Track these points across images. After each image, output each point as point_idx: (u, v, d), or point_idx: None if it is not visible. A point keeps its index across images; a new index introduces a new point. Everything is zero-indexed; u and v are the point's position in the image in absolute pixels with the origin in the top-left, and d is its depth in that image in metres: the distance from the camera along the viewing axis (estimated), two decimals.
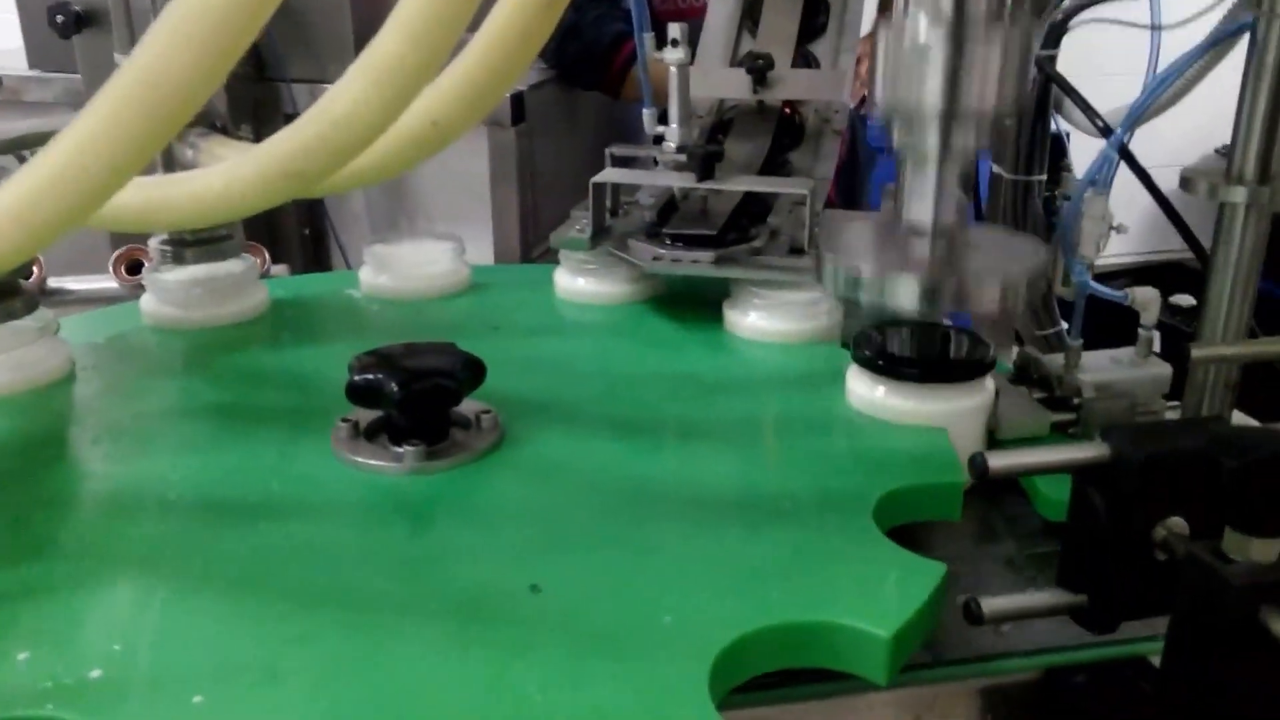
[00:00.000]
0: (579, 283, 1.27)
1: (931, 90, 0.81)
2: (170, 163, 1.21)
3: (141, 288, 1.26)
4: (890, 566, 0.74)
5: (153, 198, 0.74)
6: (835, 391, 0.99)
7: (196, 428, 0.99)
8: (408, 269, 1.31)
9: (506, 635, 0.68)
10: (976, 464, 0.68)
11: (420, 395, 0.87)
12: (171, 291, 1.21)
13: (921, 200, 0.88)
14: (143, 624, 0.71)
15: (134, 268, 1.65)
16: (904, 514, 0.84)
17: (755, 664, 0.68)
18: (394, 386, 0.86)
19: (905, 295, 0.86)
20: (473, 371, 0.91)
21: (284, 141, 0.66)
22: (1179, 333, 1.07)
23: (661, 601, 0.71)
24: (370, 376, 0.87)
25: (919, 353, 0.98)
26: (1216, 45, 1.03)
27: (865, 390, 0.96)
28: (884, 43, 0.83)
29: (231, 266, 1.25)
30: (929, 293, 0.85)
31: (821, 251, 0.92)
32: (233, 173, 0.69)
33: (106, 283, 1.78)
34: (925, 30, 0.81)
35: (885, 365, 0.96)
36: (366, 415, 0.92)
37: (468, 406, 0.93)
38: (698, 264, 1.14)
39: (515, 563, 0.76)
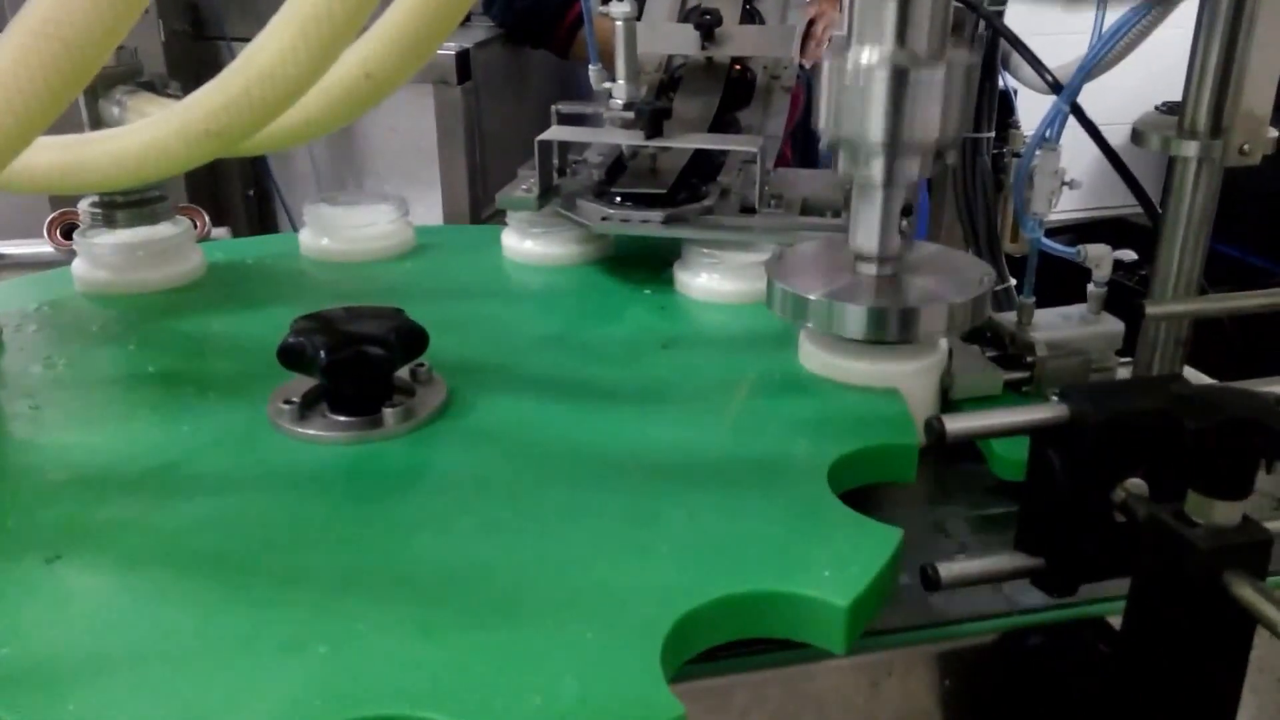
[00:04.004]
0: (526, 244, 1.24)
1: (875, 124, 0.83)
2: (97, 122, 1.17)
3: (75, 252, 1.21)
4: (846, 533, 0.72)
5: (71, 158, 0.70)
6: (788, 353, 0.97)
7: (128, 397, 0.96)
8: (350, 231, 1.27)
9: (452, 611, 0.66)
10: (934, 428, 0.66)
11: (347, 363, 0.84)
12: (103, 256, 1.17)
13: (868, 228, 0.89)
14: (72, 604, 0.67)
15: (70, 231, 1.59)
16: (859, 477, 0.82)
17: (710, 635, 0.66)
18: (321, 353, 0.82)
19: (852, 321, 0.86)
20: (409, 339, 0.87)
21: (207, 98, 0.63)
22: (1123, 288, 1.06)
23: (613, 573, 0.69)
24: (298, 340, 0.84)
25: None
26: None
27: (817, 351, 0.94)
28: (828, 76, 0.83)
29: (165, 230, 1.20)
30: (875, 319, 0.86)
31: (769, 274, 0.92)
32: (153, 131, 0.65)
33: (42, 247, 1.73)
34: (868, 66, 0.82)
35: None
36: (306, 383, 0.88)
37: (411, 372, 0.90)
38: (647, 224, 1.12)
39: (461, 534, 0.74)
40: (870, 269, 0.92)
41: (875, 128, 0.83)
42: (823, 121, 0.87)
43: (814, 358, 0.95)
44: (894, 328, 0.88)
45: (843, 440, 0.83)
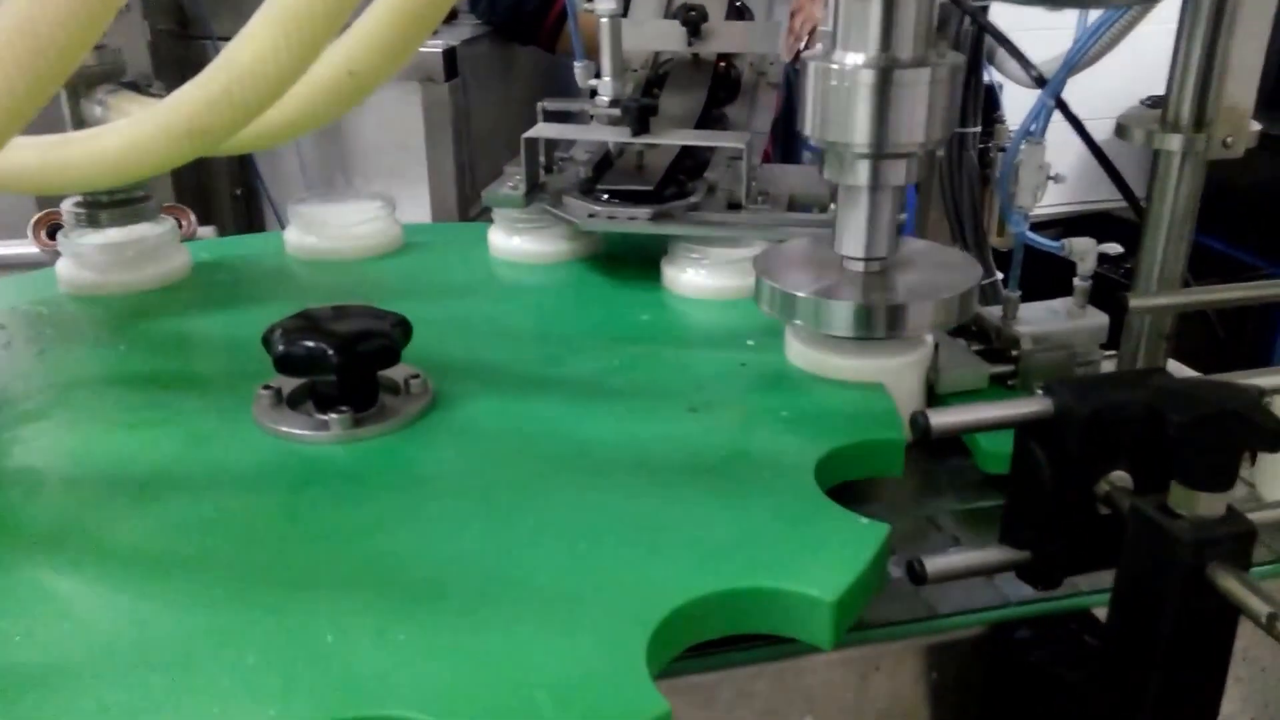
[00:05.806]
0: (514, 241, 1.24)
1: (860, 128, 0.83)
2: (79, 122, 1.16)
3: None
4: (833, 528, 0.72)
5: (51, 158, 0.70)
6: (775, 350, 0.97)
7: (111, 397, 0.95)
8: (336, 229, 1.27)
9: (438, 607, 0.66)
10: (919, 423, 0.66)
11: (360, 358, 0.84)
12: (87, 256, 1.16)
13: (854, 233, 0.90)
14: (50, 607, 0.67)
15: (55, 232, 1.58)
16: (847, 472, 0.82)
17: (697, 632, 0.66)
18: (331, 351, 0.82)
19: (839, 319, 0.86)
20: (403, 330, 0.88)
21: (188, 96, 0.62)
22: (1108, 281, 1.07)
23: (598, 569, 0.69)
24: (308, 344, 0.83)
25: None
26: None
27: (804, 348, 0.94)
28: (813, 79, 0.83)
29: (149, 229, 1.20)
30: (862, 316, 0.86)
31: (758, 271, 0.92)
32: (134, 131, 0.65)
33: (27, 247, 1.72)
34: (853, 69, 0.82)
35: None
36: (290, 382, 0.88)
37: (396, 371, 0.90)
38: (634, 220, 1.12)
39: (448, 531, 0.74)
40: (858, 266, 0.92)
41: (861, 131, 0.83)
42: (808, 126, 0.86)
43: (801, 354, 0.95)
44: (881, 324, 0.88)
45: (830, 436, 0.83)
